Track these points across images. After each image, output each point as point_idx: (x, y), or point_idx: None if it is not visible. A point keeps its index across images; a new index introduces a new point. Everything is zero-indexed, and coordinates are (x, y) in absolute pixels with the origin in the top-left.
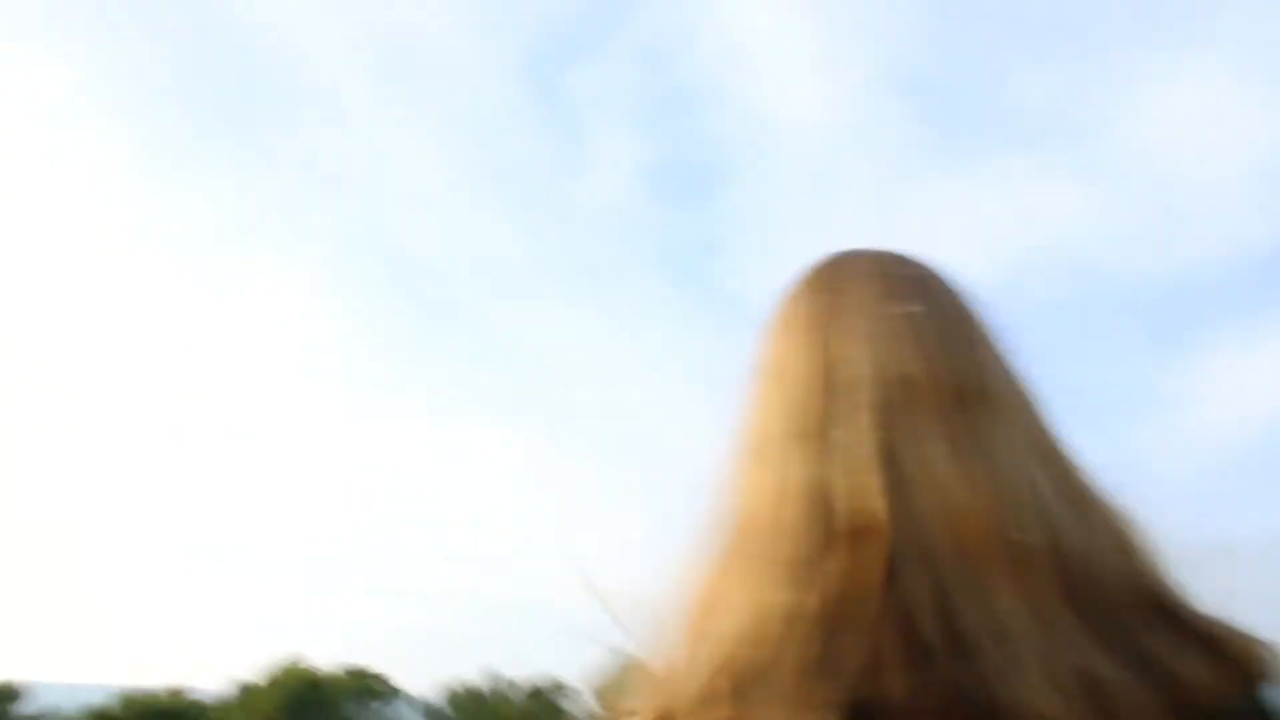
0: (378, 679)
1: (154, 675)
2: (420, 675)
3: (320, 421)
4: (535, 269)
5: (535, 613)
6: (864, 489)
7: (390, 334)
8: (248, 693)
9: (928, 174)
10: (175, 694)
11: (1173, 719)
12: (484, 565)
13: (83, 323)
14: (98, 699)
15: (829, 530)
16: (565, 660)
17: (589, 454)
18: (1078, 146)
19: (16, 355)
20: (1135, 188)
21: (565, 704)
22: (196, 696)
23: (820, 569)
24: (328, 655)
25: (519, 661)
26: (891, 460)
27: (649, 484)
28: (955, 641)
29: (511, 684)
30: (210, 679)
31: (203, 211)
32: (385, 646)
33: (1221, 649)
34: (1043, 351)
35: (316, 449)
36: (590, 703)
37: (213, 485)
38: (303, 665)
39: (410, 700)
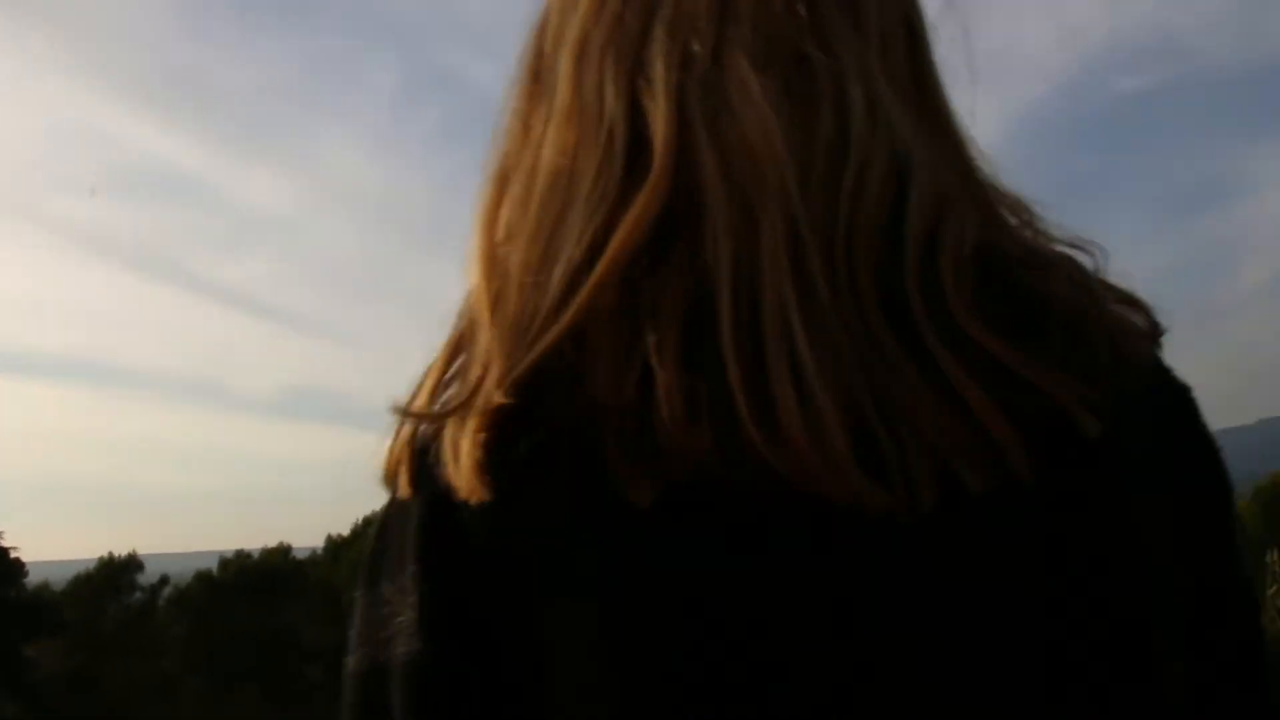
0: None
1: (259, 538)
2: None
3: (383, 272)
4: None
5: None
6: (668, 122)
7: (458, 177)
8: (338, 548)
9: None
10: (272, 553)
11: (1024, 455)
12: None
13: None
14: (207, 565)
15: (633, 171)
16: None
17: None
18: None
19: None
20: None
21: None
22: (294, 555)
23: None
24: None
25: None
26: (709, 91)
27: None
28: (751, 378)
29: None
30: (309, 537)
31: (263, 70)
32: None
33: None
34: (1128, 143)
35: (384, 303)
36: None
37: (287, 339)
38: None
39: None
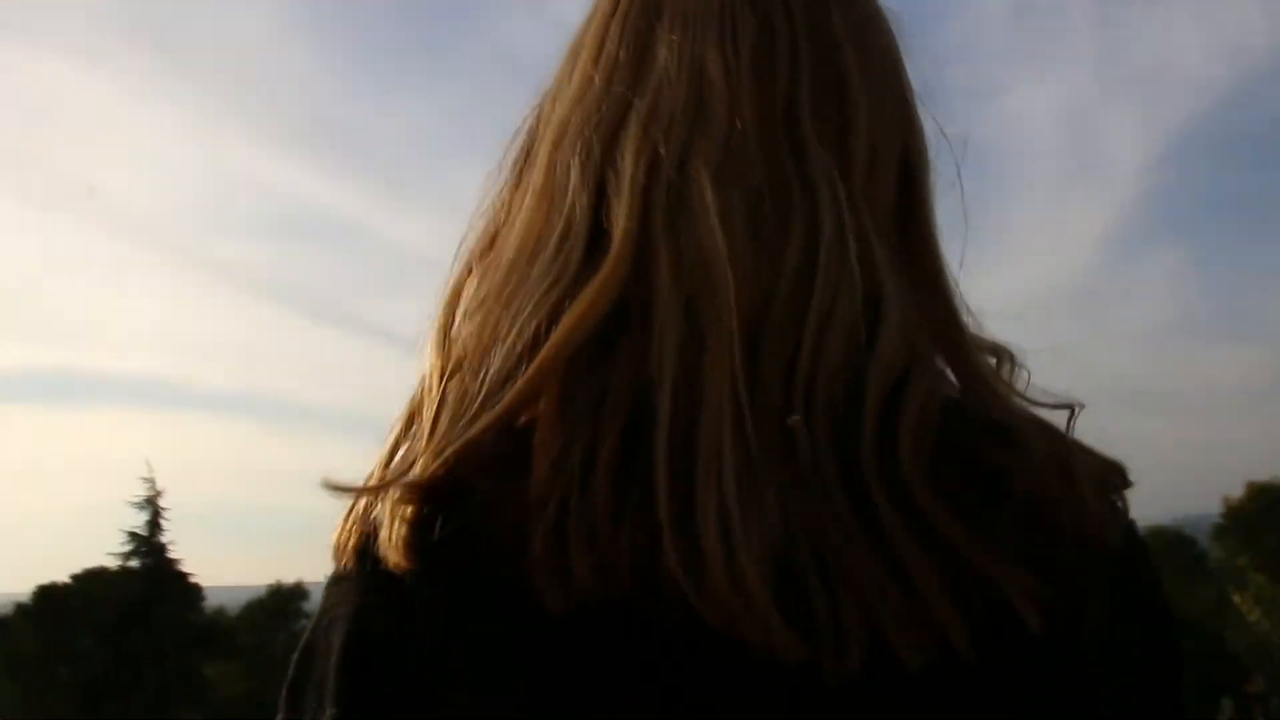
0: None
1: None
2: None
3: None
4: None
5: None
6: (629, 216)
7: None
8: None
9: None
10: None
11: (966, 638)
12: None
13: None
14: None
15: (586, 260)
16: None
17: None
18: None
19: None
20: None
21: None
22: None
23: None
24: None
25: None
26: (672, 195)
27: None
28: (681, 503)
29: None
30: None
31: (407, 118)
32: None
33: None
34: None
35: None
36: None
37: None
38: None
39: None
